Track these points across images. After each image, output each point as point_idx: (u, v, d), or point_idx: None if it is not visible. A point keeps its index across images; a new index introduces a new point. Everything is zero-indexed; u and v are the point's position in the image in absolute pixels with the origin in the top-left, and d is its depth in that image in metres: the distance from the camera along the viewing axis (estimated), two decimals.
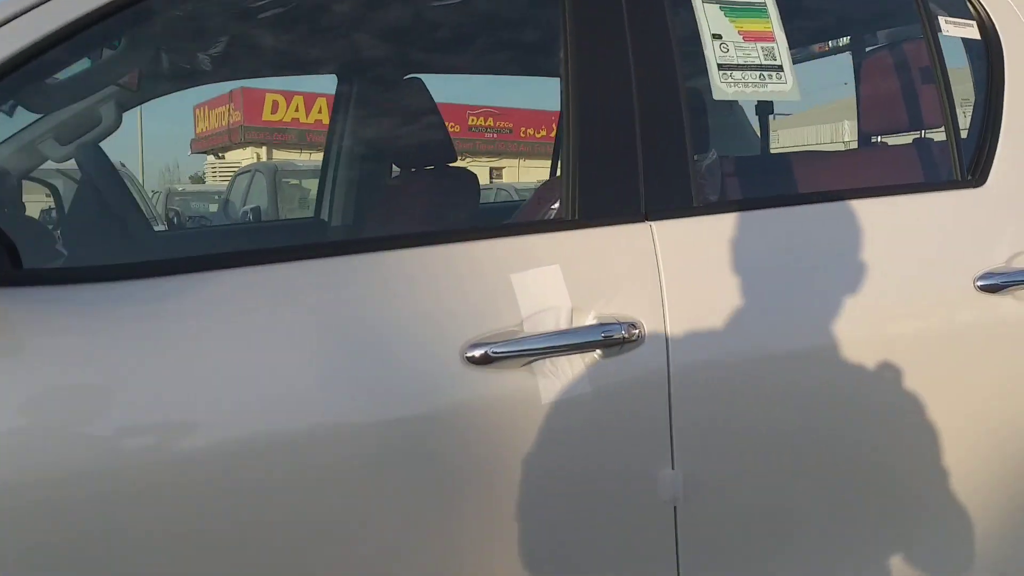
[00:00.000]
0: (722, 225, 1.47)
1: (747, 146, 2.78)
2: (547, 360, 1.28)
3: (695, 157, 1.61)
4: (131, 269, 1.21)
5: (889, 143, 2.21)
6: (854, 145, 2.86)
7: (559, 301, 1.31)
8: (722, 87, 1.53)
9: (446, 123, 2.47)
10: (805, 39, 2.55)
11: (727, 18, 1.57)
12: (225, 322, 1.18)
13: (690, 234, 1.44)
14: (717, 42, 1.55)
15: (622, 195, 1.41)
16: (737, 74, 1.55)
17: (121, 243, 1.41)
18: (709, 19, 1.55)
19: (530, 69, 2.95)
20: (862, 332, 1.49)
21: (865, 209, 1.57)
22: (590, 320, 1.32)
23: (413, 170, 2.57)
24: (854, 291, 1.51)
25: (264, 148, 15.76)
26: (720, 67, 1.54)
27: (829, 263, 1.52)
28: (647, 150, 1.44)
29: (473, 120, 15.07)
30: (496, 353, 1.24)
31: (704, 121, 2.13)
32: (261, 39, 2.42)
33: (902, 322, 1.54)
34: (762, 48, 1.59)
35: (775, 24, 1.61)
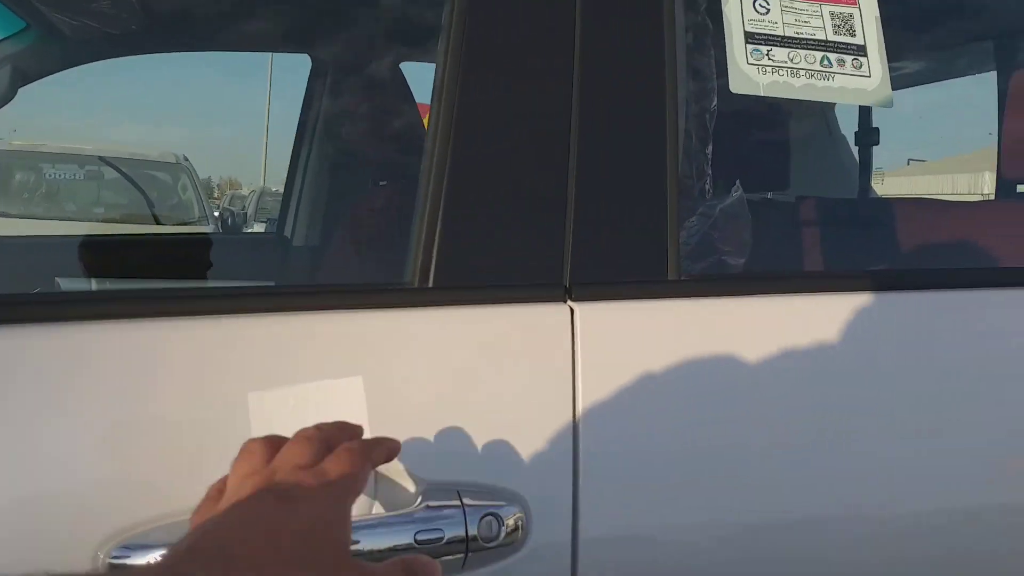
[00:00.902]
0: (725, 318, 0.80)
1: (835, 183, 2.04)
2: None
3: (690, 187, 0.96)
4: None
5: None
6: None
7: None
8: (747, 73, 0.86)
9: None
10: (927, 41, 1.81)
11: None
12: None
13: (652, 331, 0.77)
14: None
15: (524, 248, 0.76)
16: (780, 52, 0.88)
17: None
18: None
19: None
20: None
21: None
22: (411, 499, 0.67)
23: (384, 183, 1.98)
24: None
25: None
26: (750, 38, 0.87)
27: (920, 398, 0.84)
28: (584, 174, 0.78)
29: None
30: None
31: (740, 135, 1.45)
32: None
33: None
34: (833, 14, 0.91)
35: None
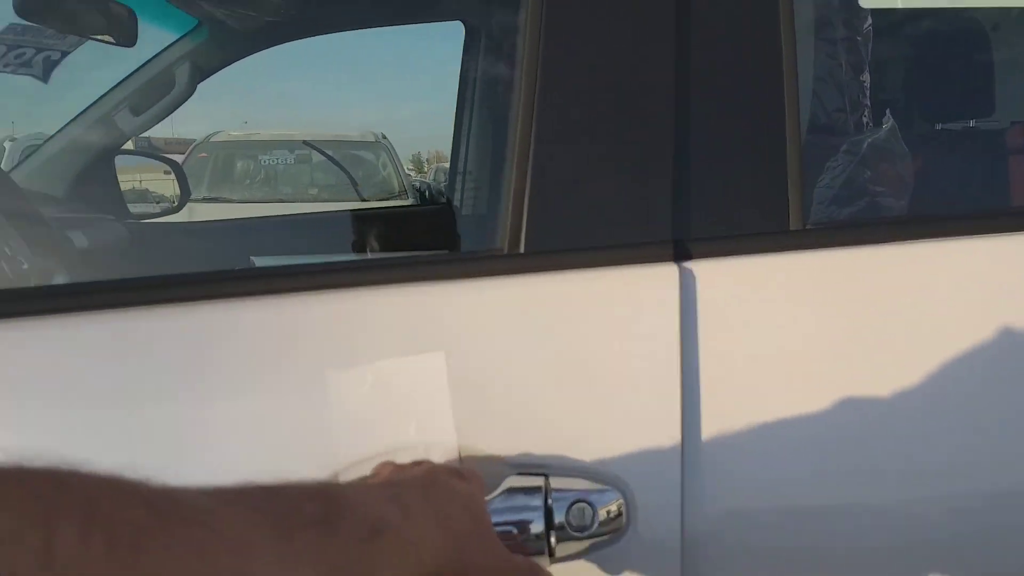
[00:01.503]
0: (864, 271, 0.69)
1: None
2: None
3: (842, 121, 0.85)
4: None
5: None
6: None
7: (431, 432, 0.63)
8: None
9: None
10: None
11: None
12: None
13: (772, 290, 0.68)
14: None
15: (623, 203, 0.69)
16: None
17: None
18: None
19: None
20: None
21: None
22: (498, 482, 0.63)
23: None
24: None
25: None
26: None
27: None
28: (687, 113, 0.69)
29: None
30: None
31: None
32: None
33: None
34: None
35: None
